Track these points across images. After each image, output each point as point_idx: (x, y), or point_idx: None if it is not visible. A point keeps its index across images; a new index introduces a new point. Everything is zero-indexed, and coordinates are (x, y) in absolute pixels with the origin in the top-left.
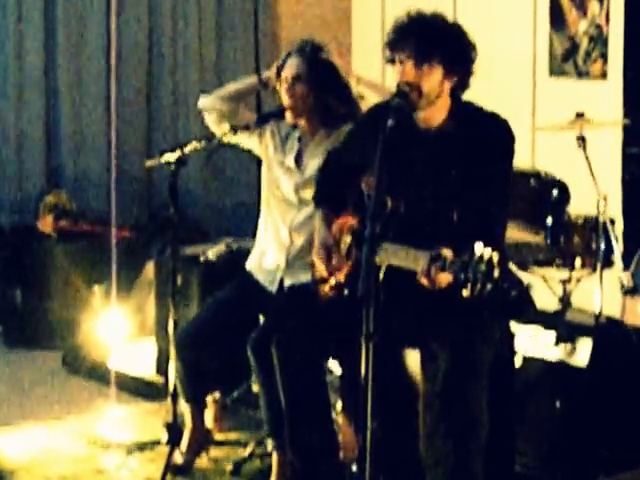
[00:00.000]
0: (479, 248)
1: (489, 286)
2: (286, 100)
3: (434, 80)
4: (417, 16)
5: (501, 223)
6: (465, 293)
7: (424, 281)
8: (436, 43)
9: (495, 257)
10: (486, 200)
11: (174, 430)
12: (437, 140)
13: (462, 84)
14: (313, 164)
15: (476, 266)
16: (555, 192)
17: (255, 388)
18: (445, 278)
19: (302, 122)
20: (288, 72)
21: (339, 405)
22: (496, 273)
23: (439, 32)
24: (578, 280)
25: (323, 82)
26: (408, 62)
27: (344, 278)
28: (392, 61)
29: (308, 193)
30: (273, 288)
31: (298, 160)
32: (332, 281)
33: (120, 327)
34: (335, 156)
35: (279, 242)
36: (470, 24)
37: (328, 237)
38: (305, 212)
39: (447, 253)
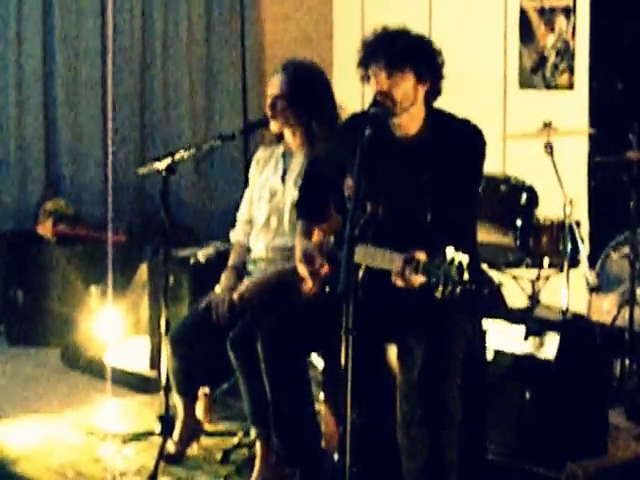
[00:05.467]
0: (450, 252)
1: (459, 288)
2: (269, 113)
3: (407, 87)
4: (383, 31)
5: (471, 223)
6: (437, 294)
7: (399, 282)
8: (405, 51)
9: (465, 261)
10: (457, 202)
11: (167, 421)
12: (413, 146)
13: (434, 90)
14: (293, 190)
15: (447, 269)
16: (524, 196)
17: None
18: (418, 280)
19: (287, 133)
20: (270, 89)
21: (322, 397)
22: (466, 276)
23: (407, 42)
24: (546, 279)
25: (303, 101)
26: (381, 73)
27: (326, 276)
28: (367, 78)
29: (286, 221)
30: None
31: (284, 178)
32: (314, 282)
33: (116, 325)
34: (316, 165)
35: (258, 255)
36: (445, 39)
37: (309, 244)
38: (281, 240)
39: (421, 256)
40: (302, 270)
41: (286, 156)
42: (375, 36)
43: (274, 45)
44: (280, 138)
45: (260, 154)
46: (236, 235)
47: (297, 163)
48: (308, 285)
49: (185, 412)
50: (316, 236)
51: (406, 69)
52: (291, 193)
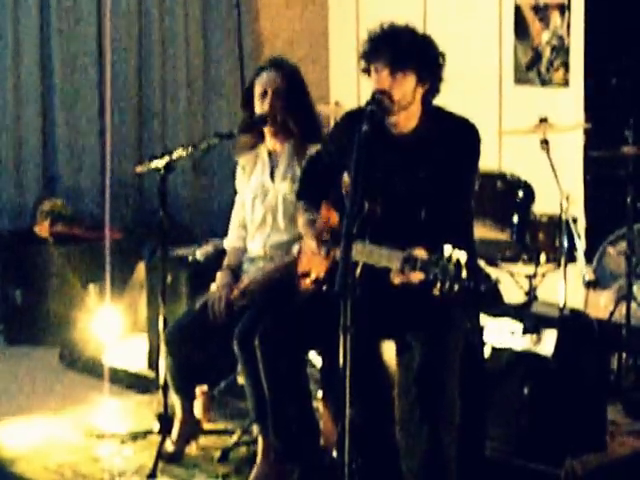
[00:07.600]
0: (448, 250)
1: (457, 286)
2: (260, 110)
3: (408, 87)
4: (390, 27)
5: (467, 220)
6: (435, 291)
7: (397, 279)
8: (409, 52)
9: (463, 258)
10: (453, 199)
11: (165, 420)
12: (409, 144)
13: (433, 90)
14: (283, 185)
15: (445, 267)
16: (521, 192)
17: (240, 380)
18: (417, 277)
19: (268, 132)
20: (264, 85)
21: (320, 394)
22: (464, 274)
23: (412, 42)
24: (543, 275)
25: (298, 98)
26: (383, 71)
27: (323, 274)
28: (367, 71)
29: (280, 217)
30: None
31: (272, 176)
32: (312, 275)
33: (114, 324)
34: (316, 159)
35: (256, 253)
36: (440, 36)
37: (318, 220)
38: (277, 236)
39: (419, 254)
40: (310, 241)
41: (271, 155)
42: (381, 32)
43: (271, 43)
44: (254, 144)
45: (243, 161)
46: (230, 242)
47: (283, 159)
48: (307, 283)
49: (183, 411)
50: (324, 219)
51: (408, 70)
52: (281, 188)
